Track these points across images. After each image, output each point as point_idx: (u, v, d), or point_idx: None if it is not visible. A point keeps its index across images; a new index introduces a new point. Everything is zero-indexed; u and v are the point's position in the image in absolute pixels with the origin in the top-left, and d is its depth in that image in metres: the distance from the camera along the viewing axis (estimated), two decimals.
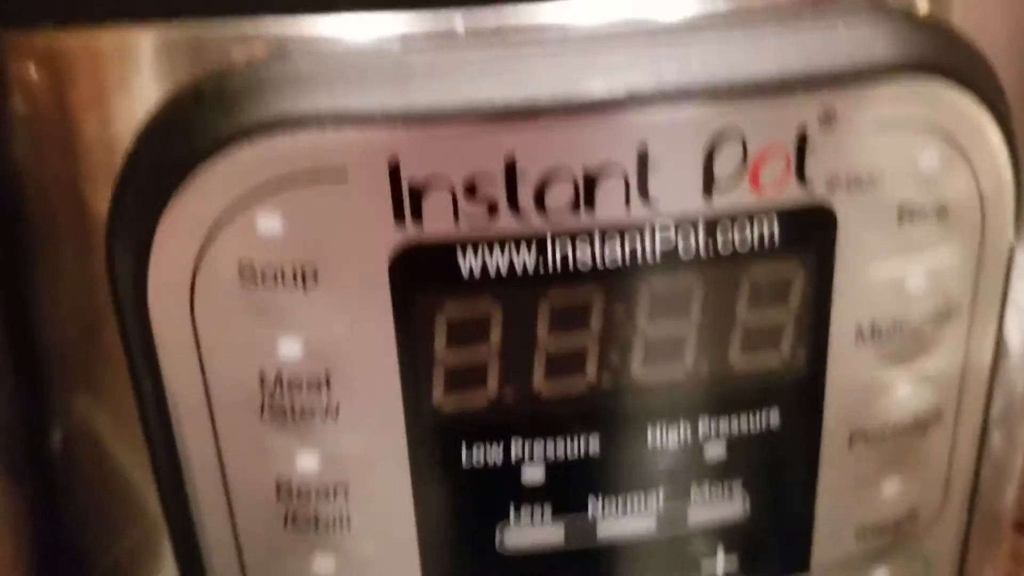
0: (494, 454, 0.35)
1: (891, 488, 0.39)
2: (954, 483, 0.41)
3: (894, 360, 0.37)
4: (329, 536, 0.37)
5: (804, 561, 0.39)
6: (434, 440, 0.36)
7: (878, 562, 0.41)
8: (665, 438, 0.36)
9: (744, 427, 0.36)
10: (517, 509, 0.37)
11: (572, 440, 0.36)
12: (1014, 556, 0.62)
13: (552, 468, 0.36)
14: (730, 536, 0.38)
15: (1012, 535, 0.61)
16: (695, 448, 0.36)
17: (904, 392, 0.38)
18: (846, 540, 0.39)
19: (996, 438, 0.46)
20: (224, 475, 0.37)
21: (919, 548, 0.42)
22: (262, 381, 0.35)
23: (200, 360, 0.35)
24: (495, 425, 0.36)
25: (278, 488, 0.37)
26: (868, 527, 0.39)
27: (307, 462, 0.36)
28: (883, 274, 0.36)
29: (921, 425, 0.38)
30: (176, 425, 0.36)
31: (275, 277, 0.34)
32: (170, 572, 0.40)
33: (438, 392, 0.35)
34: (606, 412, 0.36)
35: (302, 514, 0.37)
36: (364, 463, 0.36)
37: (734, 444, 0.37)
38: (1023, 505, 0.62)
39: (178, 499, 0.37)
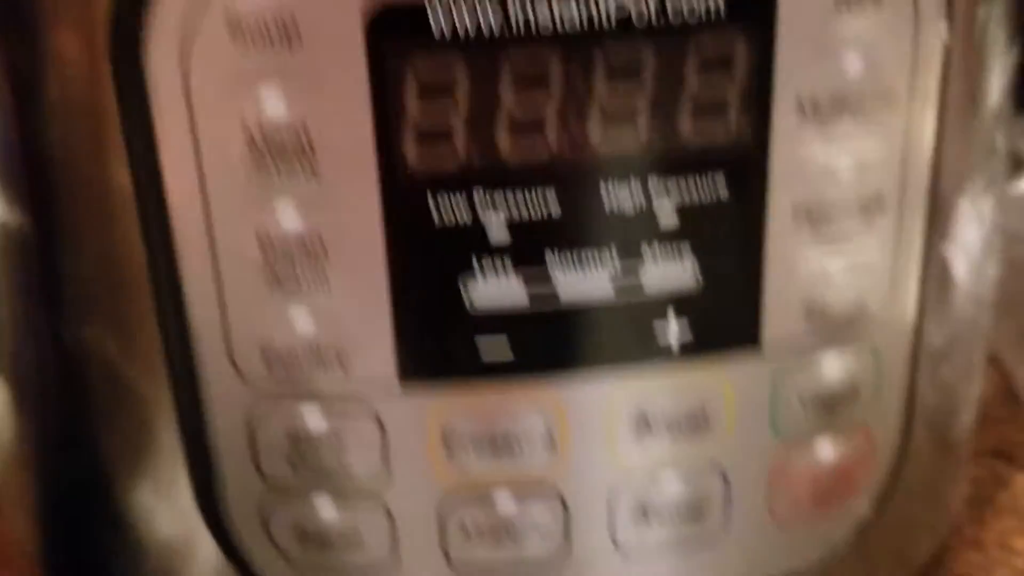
0: (461, 211, 0.38)
1: (837, 268, 0.42)
2: (900, 281, 0.44)
3: (835, 138, 0.40)
4: (308, 293, 0.40)
5: (754, 335, 0.42)
6: (406, 197, 0.38)
7: (828, 347, 0.43)
8: (619, 202, 0.39)
9: (693, 194, 0.39)
10: (482, 266, 0.39)
11: (533, 200, 0.38)
12: (994, 480, 0.65)
13: (514, 225, 0.39)
14: (682, 303, 0.40)
15: (990, 461, 0.66)
16: (647, 213, 0.39)
17: (845, 172, 0.40)
18: (794, 318, 0.42)
19: (946, 368, 0.50)
20: (210, 229, 0.40)
21: (869, 340, 0.44)
22: (248, 136, 0.37)
23: (191, 114, 0.38)
24: (463, 184, 0.39)
25: (260, 244, 0.39)
26: (816, 307, 0.42)
27: (288, 217, 0.39)
28: (821, 53, 0.39)
29: (864, 209, 0.41)
30: (166, 187, 0.39)
31: (260, 34, 0.36)
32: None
33: (411, 152, 0.38)
34: (565, 175, 0.39)
35: (283, 270, 0.40)
36: (341, 218, 0.39)
37: (684, 210, 0.39)
38: (1001, 435, 0.67)
39: (167, 263, 0.40)
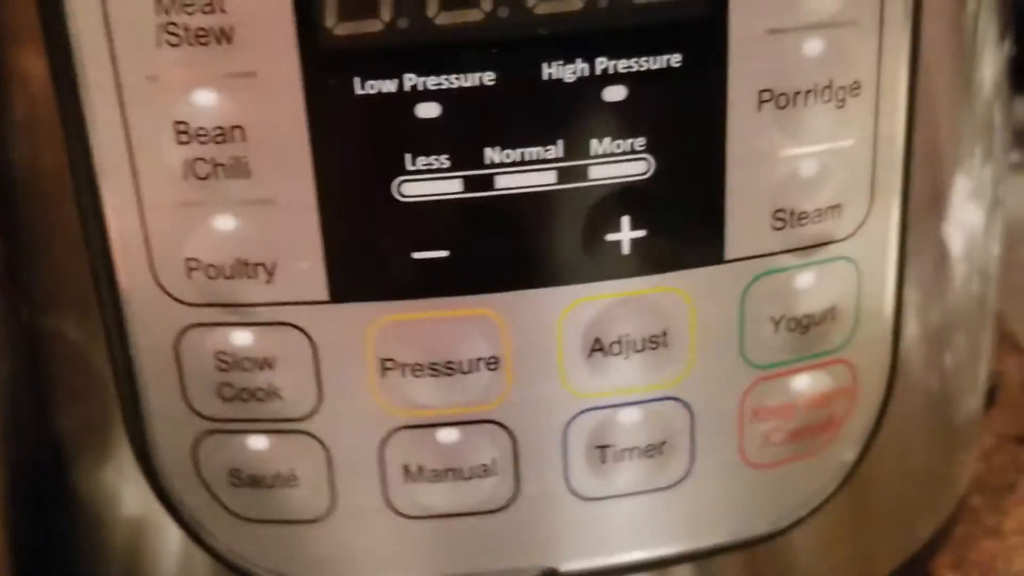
0: (388, 86, 0.34)
1: (808, 169, 0.38)
2: (883, 188, 0.39)
3: (801, 15, 0.36)
4: (228, 186, 0.37)
5: (717, 244, 0.38)
6: (328, 69, 0.35)
7: (801, 263, 0.39)
8: (563, 77, 0.35)
9: (645, 71, 0.35)
10: (413, 151, 0.36)
11: (467, 74, 0.34)
12: (1016, 467, 0.62)
13: (446, 103, 0.35)
14: (635, 205, 0.37)
15: (1013, 447, 0.63)
16: (594, 91, 0.35)
17: (814, 52, 0.36)
18: (762, 228, 0.38)
19: (949, 347, 0.48)
20: (127, 131, 0.37)
21: (849, 256, 0.40)
22: (164, 22, 0.35)
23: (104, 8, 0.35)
24: (389, 54, 0.35)
25: (176, 132, 0.36)
26: (786, 214, 0.38)
27: (202, 97, 0.35)
28: None
29: (837, 97, 0.37)
30: (81, 86, 0.36)
31: None
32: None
33: (331, 15, 0.35)
34: (502, 44, 0.35)
35: (200, 162, 0.36)
36: (259, 97, 0.36)
37: (634, 91, 0.35)
38: (1022, 420, 0.66)
39: (86, 171, 0.38)
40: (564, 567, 0.41)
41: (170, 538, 0.43)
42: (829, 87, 0.37)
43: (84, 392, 0.42)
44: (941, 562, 0.56)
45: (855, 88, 0.37)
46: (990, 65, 0.46)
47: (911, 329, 0.46)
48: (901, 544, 0.51)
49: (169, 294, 0.38)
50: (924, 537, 0.52)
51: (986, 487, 0.61)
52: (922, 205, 0.44)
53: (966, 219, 0.47)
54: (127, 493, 0.43)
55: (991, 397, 0.56)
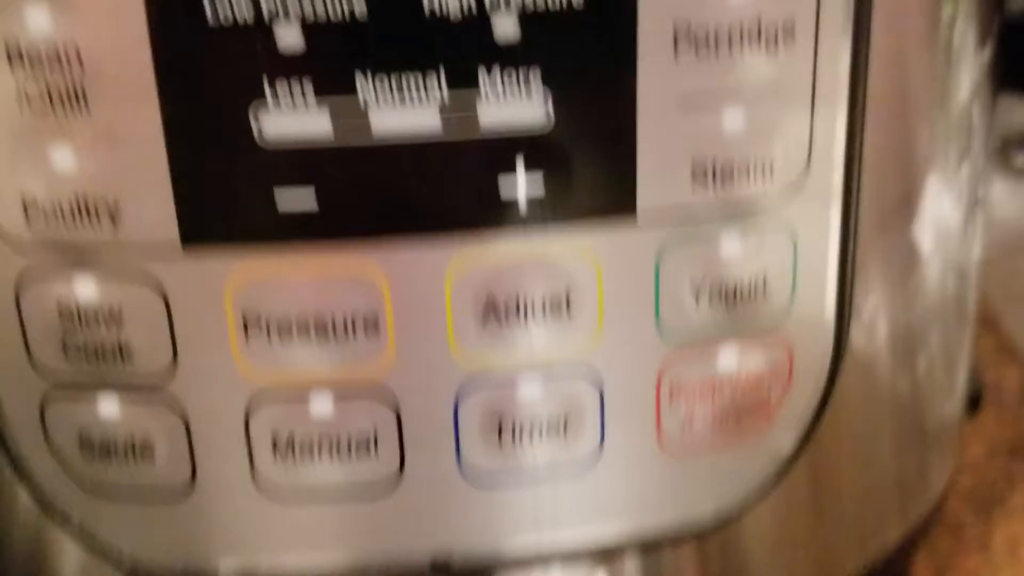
0: (244, 10, 0.29)
1: (733, 121, 0.32)
2: (819, 139, 0.34)
3: None
4: (65, 117, 0.33)
5: (627, 199, 0.33)
6: None
7: (727, 225, 0.33)
8: (446, 7, 0.30)
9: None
10: (273, 84, 0.31)
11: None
12: (1007, 480, 0.61)
13: (311, 29, 0.30)
14: (531, 152, 0.31)
15: (1004, 459, 0.62)
16: (481, 18, 0.29)
17: None
18: (679, 182, 0.33)
19: (920, 346, 0.45)
20: None
21: (783, 220, 0.34)
22: None
23: None
24: None
25: (7, 54, 0.32)
26: (707, 167, 0.33)
27: (35, 14, 0.32)
28: None
29: (767, 37, 0.31)
30: None
31: None
32: None
33: None
34: None
35: (34, 89, 0.32)
36: (98, 18, 0.32)
37: (529, 19, 0.30)
38: (1018, 431, 0.64)
39: None
40: (458, 555, 0.36)
41: (25, 509, 0.37)
42: (758, 24, 0.31)
43: None
44: (922, 574, 0.54)
45: (788, 26, 0.32)
46: (968, 68, 0.42)
47: (871, 322, 0.42)
48: (866, 546, 0.48)
49: (5, 235, 0.33)
50: (893, 541, 0.48)
51: (975, 500, 0.59)
52: (889, 201, 0.40)
53: (940, 218, 0.43)
54: None
55: (975, 404, 0.53)
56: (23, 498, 0.38)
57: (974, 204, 0.45)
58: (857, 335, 0.40)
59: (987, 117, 0.45)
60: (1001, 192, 0.80)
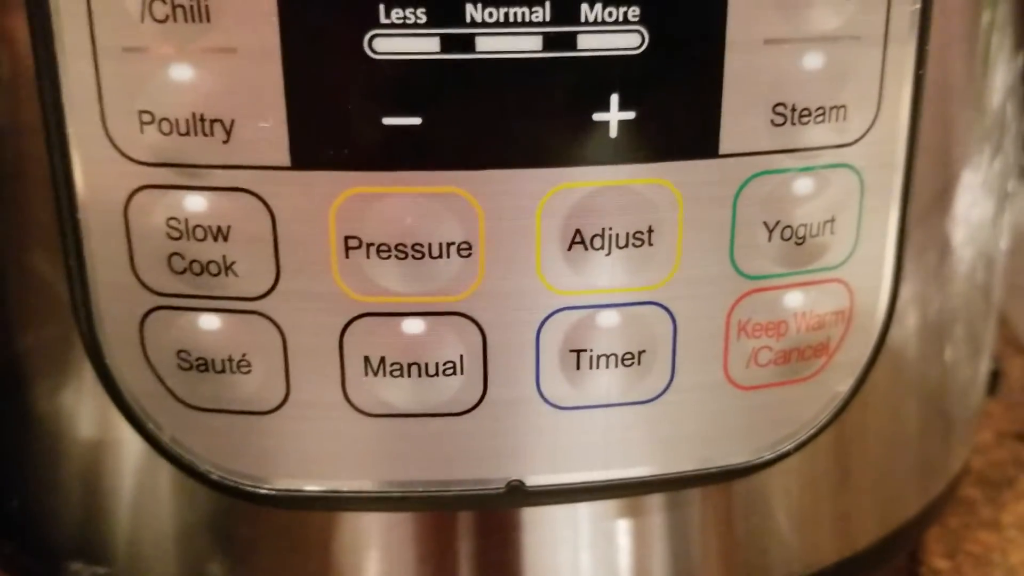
0: None
1: (812, 62, 0.33)
2: (889, 87, 0.35)
3: None
4: (186, 31, 0.34)
5: (711, 136, 0.33)
6: None
7: (801, 165, 0.34)
8: None
9: None
10: (388, 2, 0.31)
11: None
12: (1015, 463, 0.61)
13: None
14: (625, 82, 0.32)
15: (1012, 444, 0.63)
16: None
17: None
18: (761, 123, 0.34)
19: (953, 321, 0.46)
20: None
21: (852, 163, 0.35)
22: None
23: None
24: None
25: None
26: (787, 109, 0.33)
27: None
28: None
29: None
30: None
31: None
32: None
33: None
34: None
35: (159, 1, 0.32)
36: None
37: None
38: (1023, 418, 0.65)
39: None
40: (531, 481, 0.36)
41: (119, 429, 0.37)
42: None
43: (31, 258, 0.37)
44: (934, 550, 0.55)
45: None
46: (1004, 70, 0.43)
47: (915, 277, 0.43)
48: (885, 515, 0.48)
49: (120, 150, 0.34)
50: (910, 514, 0.49)
51: (985, 481, 0.60)
52: (929, 196, 0.42)
53: (974, 210, 0.45)
54: (75, 377, 0.38)
55: (993, 384, 0.54)
56: (116, 416, 0.37)
57: (1004, 198, 0.46)
58: (909, 287, 0.39)
59: (1019, 115, 0.46)
60: None
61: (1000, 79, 0.43)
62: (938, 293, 0.44)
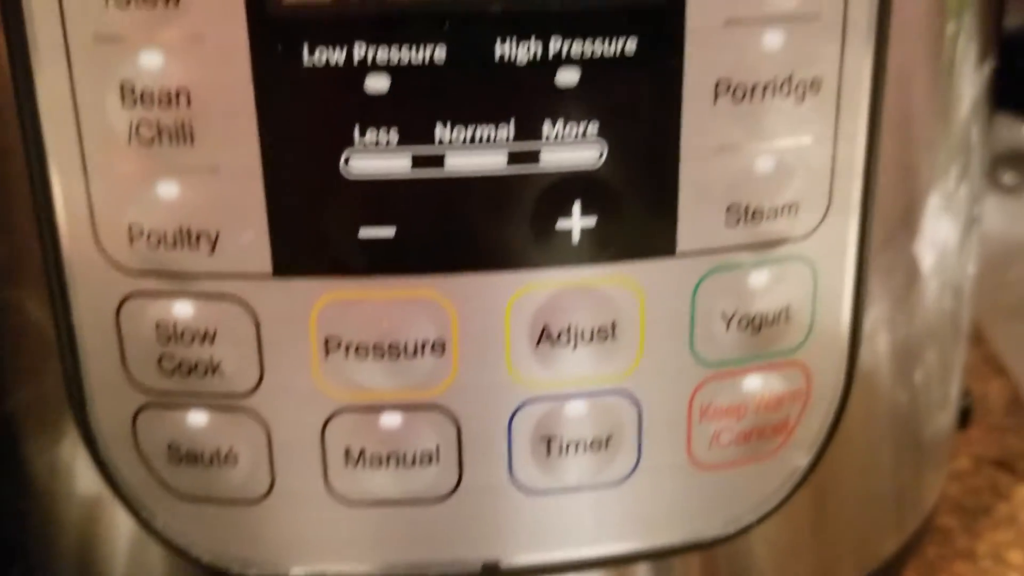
0: (337, 56, 0.32)
1: (764, 165, 0.35)
2: (839, 183, 0.37)
3: (761, 6, 0.35)
4: (172, 152, 0.34)
5: (669, 236, 0.35)
6: (275, 37, 0.33)
7: (756, 260, 0.36)
8: (516, 57, 0.32)
9: (599, 56, 0.33)
10: (362, 125, 0.33)
11: (418, 48, 0.32)
12: (992, 490, 0.61)
13: (397, 77, 0.33)
14: (586, 192, 0.34)
15: (990, 470, 0.62)
16: (547, 73, 0.33)
17: (773, 45, 0.34)
18: (716, 222, 0.36)
19: (918, 363, 0.47)
20: (73, 90, 0.35)
21: (805, 256, 0.37)
22: None
23: None
24: (339, 23, 0.33)
25: (122, 94, 0.34)
26: (741, 209, 0.35)
27: (149, 59, 0.33)
28: None
29: (796, 91, 0.34)
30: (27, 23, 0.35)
31: None
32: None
33: None
34: (455, 18, 0.33)
35: (145, 126, 0.33)
36: (206, 64, 0.33)
37: (588, 75, 0.33)
38: (1004, 444, 0.63)
39: (33, 133, 0.36)
40: (507, 561, 0.38)
41: (114, 515, 0.40)
42: (788, 81, 0.34)
43: (30, 359, 0.39)
44: None
45: (815, 84, 0.35)
46: (969, 85, 0.44)
47: (876, 340, 0.44)
48: (863, 558, 0.49)
49: (111, 260, 0.36)
50: (888, 553, 0.50)
51: (961, 509, 0.60)
52: (893, 219, 0.42)
53: (939, 236, 0.45)
54: (72, 465, 0.40)
55: (965, 418, 0.54)
56: (113, 500, 0.39)
57: (971, 223, 0.47)
58: (868, 355, 0.42)
59: (984, 137, 0.47)
60: (988, 208, 0.79)
61: (966, 92, 0.44)
62: (905, 327, 0.45)
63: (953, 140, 0.44)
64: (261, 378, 0.36)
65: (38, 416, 0.42)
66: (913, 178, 0.43)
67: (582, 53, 0.33)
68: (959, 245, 0.47)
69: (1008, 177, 0.84)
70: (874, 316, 0.43)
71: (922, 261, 0.45)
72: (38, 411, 0.41)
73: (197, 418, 0.37)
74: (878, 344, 0.44)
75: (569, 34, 0.33)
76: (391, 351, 0.36)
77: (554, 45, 0.33)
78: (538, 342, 0.36)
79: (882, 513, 0.50)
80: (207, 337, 0.36)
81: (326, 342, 0.36)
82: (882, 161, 0.39)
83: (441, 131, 0.33)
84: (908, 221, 0.43)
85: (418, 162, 0.34)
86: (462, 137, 0.34)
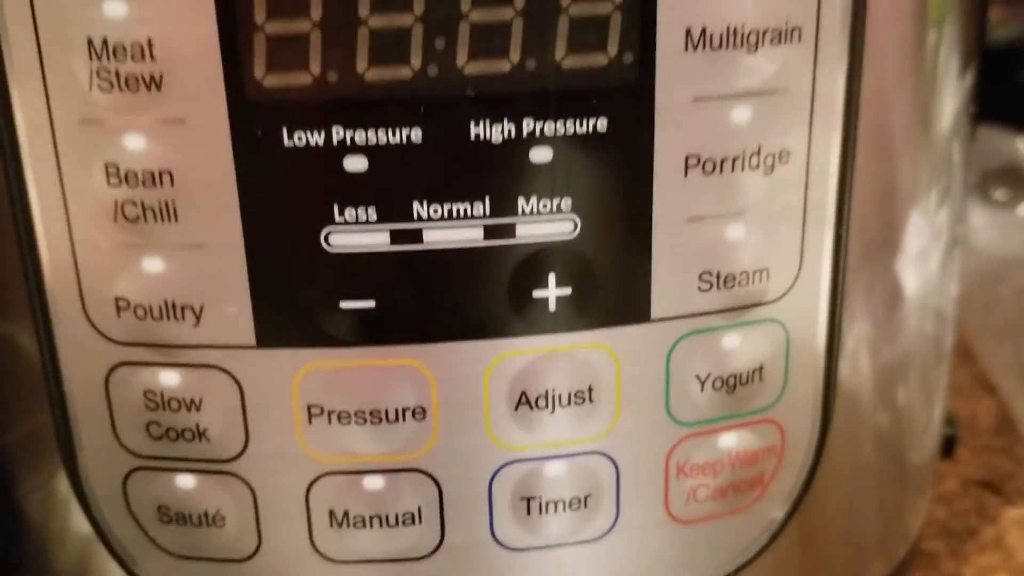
0: (316, 138, 0.33)
1: (735, 233, 0.36)
2: (809, 248, 0.37)
3: (726, 74, 0.35)
4: (157, 229, 0.35)
5: (643, 304, 0.36)
6: (255, 119, 0.33)
7: (728, 324, 0.37)
8: (490, 137, 0.33)
9: (571, 134, 0.34)
10: (341, 203, 0.34)
11: (396, 130, 0.33)
12: (979, 512, 0.61)
13: (375, 157, 0.34)
14: (561, 263, 0.35)
15: (978, 492, 0.62)
16: (521, 152, 0.34)
17: (741, 120, 0.34)
18: (689, 289, 0.36)
19: (900, 389, 0.47)
20: (60, 170, 0.36)
21: (777, 319, 0.38)
22: (90, 45, 0.33)
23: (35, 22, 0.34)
24: (317, 106, 0.34)
25: (107, 174, 0.35)
26: (713, 276, 0.36)
27: (132, 141, 0.33)
28: None
29: (765, 164, 0.35)
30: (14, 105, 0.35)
31: None
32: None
33: (259, 67, 0.33)
34: (430, 102, 0.33)
35: (130, 204, 0.34)
36: (187, 145, 0.34)
37: (561, 153, 0.34)
38: (992, 464, 0.63)
39: (22, 210, 0.36)
40: None
41: (107, 566, 0.40)
42: (757, 154, 0.35)
43: (28, 416, 0.40)
44: None
45: (784, 155, 0.36)
46: (950, 101, 0.44)
47: (856, 370, 0.44)
48: None
49: (99, 331, 0.36)
50: None
51: (947, 533, 0.60)
52: (872, 244, 0.42)
53: (920, 259, 0.45)
54: (67, 516, 0.41)
55: (949, 446, 0.54)
56: (105, 555, 0.40)
57: (953, 244, 0.48)
58: (845, 392, 0.43)
59: (966, 156, 0.48)
60: (979, 223, 0.81)
61: (948, 105, 0.44)
62: (885, 357, 0.46)
63: (934, 157, 0.45)
64: (246, 443, 0.37)
65: (33, 465, 0.43)
66: (893, 202, 0.43)
67: (555, 132, 0.34)
68: (941, 267, 0.47)
69: (1000, 192, 0.84)
70: (854, 343, 0.43)
71: (903, 285, 0.45)
72: (33, 460, 0.42)
73: (185, 481, 0.38)
74: (859, 371, 0.45)
75: (541, 115, 0.34)
76: (373, 417, 0.37)
77: (527, 125, 0.34)
78: (516, 406, 0.37)
79: (867, 544, 0.50)
80: (193, 405, 0.37)
81: (309, 409, 0.37)
82: (861, 189, 0.40)
83: (419, 207, 0.34)
84: (888, 245, 0.44)
85: (397, 237, 0.34)
86: (439, 213, 0.34)
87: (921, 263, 0.45)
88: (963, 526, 0.61)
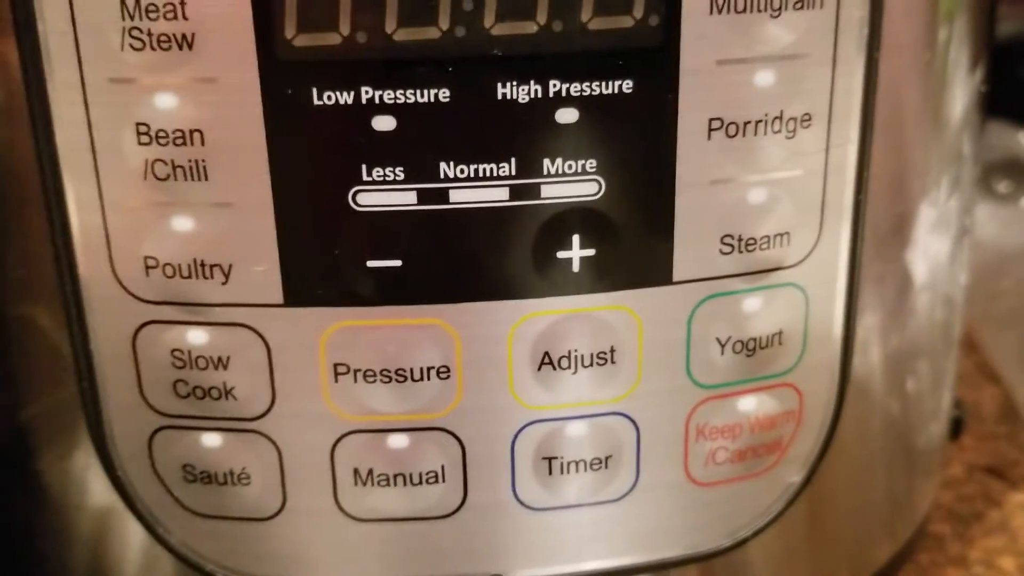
0: (346, 97, 0.33)
1: (757, 197, 0.36)
2: (829, 213, 0.38)
3: (750, 38, 0.35)
4: (186, 188, 0.36)
5: (666, 266, 0.37)
6: (286, 79, 0.34)
7: (749, 287, 0.38)
8: (517, 97, 0.33)
9: (597, 95, 0.34)
10: (369, 163, 0.35)
11: (423, 90, 0.33)
12: (984, 497, 0.61)
13: (403, 117, 0.34)
14: (585, 224, 0.35)
15: (982, 478, 0.62)
16: (547, 112, 0.34)
17: (764, 83, 0.35)
18: (710, 252, 0.37)
19: (910, 374, 0.47)
20: (90, 129, 0.37)
21: (797, 282, 0.38)
22: (122, 4, 0.34)
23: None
24: (347, 66, 0.34)
25: (137, 133, 0.35)
26: (734, 239, 0.37)
27: (163, 100, 0.34)
28: None
29: (787, 128, 0.36)
30: (45, 64, 0.36)
31: None
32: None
33: (290, 27, 0.34)
34: (458, 62, 0.34)
35: (160, 163, 0.35)
36: (218, 104, 0.34)
37: (586, 114, 0.34)
38: (996, 451, 0.63)
39: (51, 169, 0.37)
40: (511, 575, 0.39)
41: (129, 529, 0.41)
42: (779, 118, 0.36)
43: (49, 380, 0.41)
44: None
45: (806, 120, 0.36)
46: (960, 94, 0.45)
47: (867, 355, 0.45)
48: (857, 565, 0.50)
49: (128, 290, 0.37)
50: (882, 561, 0.51)
51: (954, 516, 0.60)
52: (884, 232, 0.43)
53: (931, 248, 0.46)
54: (88, 482, 0.41)
55: (956, 428, 0.55)
56: (129, 517, 0.40)
57: (962, 233, 0.48)
58: (860, 373, 0.43)
59: (976, 147, 0.48)
60: (982, 216, 0.80)
61: (958, 99, 0.45)
62: (896, 340, 0.46)
63: (945, 150, 0.45)
64: (273, 402, 0.38)
65: (53, 429, 0.43)
66: (905, 191, 0.44)
67: (580, 93, 0.34)
68: (950, 256, 0.48)
69: (1002, 185, 0.84)
70: (866, 329, 0.43)
71: (915, 272, 0.45)
72: (53, 424, 0.42)
73: (211, 440, 0.39)
74: (870, 356, 0.45)
75: (568, 76, 0.34)
76: (398, 376, 0.37)
77: (553, 86, 0.34)
78: (539, 367, 0.38)
79: (876, 522, 0.51)
80: (220, 363, 0.37)
81: (335, 368, 0.37)
82: (874, 178, 0.40)
83: (445, 167, 0.35)
84: (899, 233, 0.44)
85: (423, 197, 0.35)
86: (465, 173, 0.35)
87: (931, 251, 0.46)
88: (969, 510, 0.61)
